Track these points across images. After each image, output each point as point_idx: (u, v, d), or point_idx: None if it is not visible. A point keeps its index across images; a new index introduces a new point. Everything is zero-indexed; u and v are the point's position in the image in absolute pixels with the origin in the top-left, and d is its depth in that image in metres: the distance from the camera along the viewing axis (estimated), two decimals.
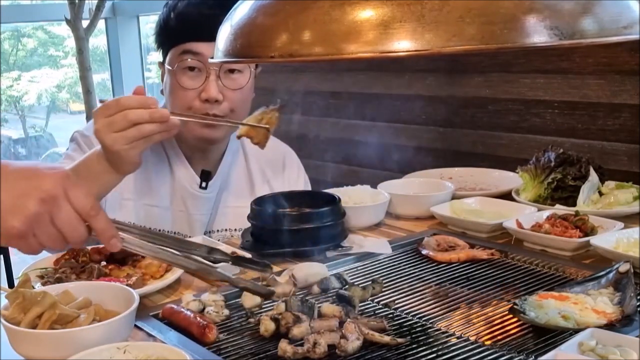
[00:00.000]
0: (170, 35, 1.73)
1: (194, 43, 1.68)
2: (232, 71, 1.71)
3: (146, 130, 1.38)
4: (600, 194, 1.81)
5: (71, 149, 1.77)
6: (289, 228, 1.54)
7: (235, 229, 1.81)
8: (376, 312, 1.25)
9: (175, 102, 1.73)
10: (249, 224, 1.84)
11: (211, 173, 1.81)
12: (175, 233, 1.76)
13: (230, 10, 0.92)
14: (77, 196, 1.01)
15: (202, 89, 1.68)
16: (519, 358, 1.06)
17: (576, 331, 1.06)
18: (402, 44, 0.74)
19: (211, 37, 1.64)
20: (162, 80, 1.80)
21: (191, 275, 1.20)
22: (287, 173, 1.96)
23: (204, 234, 1.78)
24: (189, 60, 1.68)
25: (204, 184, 1.79)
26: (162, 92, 1.81)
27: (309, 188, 2.03)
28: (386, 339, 1.10)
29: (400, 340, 1.10)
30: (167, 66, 1.72)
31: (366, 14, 0.76)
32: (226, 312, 1.23)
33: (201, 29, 1.66)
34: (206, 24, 1.64)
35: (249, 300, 1.25)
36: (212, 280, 1.15)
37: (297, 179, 1.98)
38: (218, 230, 1.82)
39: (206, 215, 1.80)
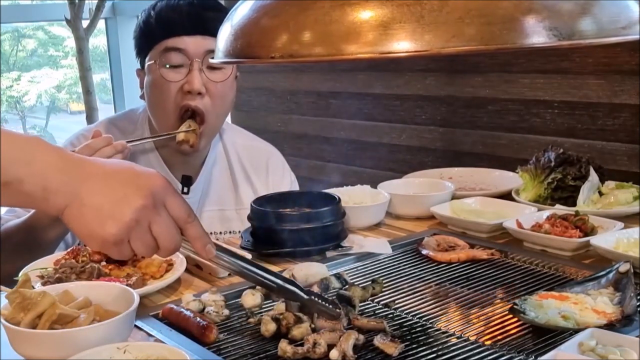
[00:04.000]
0: (151, 34, 1.74)
1: (176, 38, 1.69)
2: (215, 67, 1.73)
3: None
4: (600, 194, 1.80)
5: None
6: (289, 228, 1.54)
7: (221, 232, 1.81)
8: (376, 312, 1.25)
9: (158, 97, 1.74)
10: (233, 226, 1.85)
11: (192, 178, 1.81)
12: None
13: (231, 11, 0.92)
14: (175, 203, 0.99)
15: (185, 81, 1.70)
16: (519, 358, 1.06)
17: (576, 331, 1.06)
18: (402, 45, 0.74)
19: (193, 30, 1.68)
20: (141, 86, 1.81)
21: (274, 294, 1.19)
22: (271, 174, 1.96)
23: None
24: (173, 56, 1.69)
25: (185, 189, 1.79)
26: (141, 97, 1.82)
27: (296, 187, 2.03)
28: (383, 344, 1.09)
29: (395, 348, 1.07)
30: (148, 63, 1.74)
31: (366, 14, 0.76)
32: (226, 312, 1.23)
33: (182, 23, 1.68)
34: (187, 18, 1.67)
35: (249, 300, 1.26)
36: (290, 299, 1.15)
37: (281, 180, 1.98)
38: None
39: None
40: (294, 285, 1.14)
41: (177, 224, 0.99)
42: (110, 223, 0.93)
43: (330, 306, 1.14)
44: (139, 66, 1.84)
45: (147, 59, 1.75)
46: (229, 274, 1.45)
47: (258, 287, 1.30)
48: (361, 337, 1.09)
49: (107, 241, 0.95)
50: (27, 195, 0.92)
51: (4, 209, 1.69)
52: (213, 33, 1.67)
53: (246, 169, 1.93)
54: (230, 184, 1.91)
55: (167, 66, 1.70)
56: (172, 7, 1.71)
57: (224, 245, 1.14)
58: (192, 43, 1.69)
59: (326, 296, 1.30)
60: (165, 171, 1.79)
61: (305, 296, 1.13)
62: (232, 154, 1.92)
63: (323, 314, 1.13)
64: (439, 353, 1.08)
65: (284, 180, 1.98)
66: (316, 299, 1.14)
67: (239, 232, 1.73)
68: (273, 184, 1.95)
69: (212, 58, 1.67)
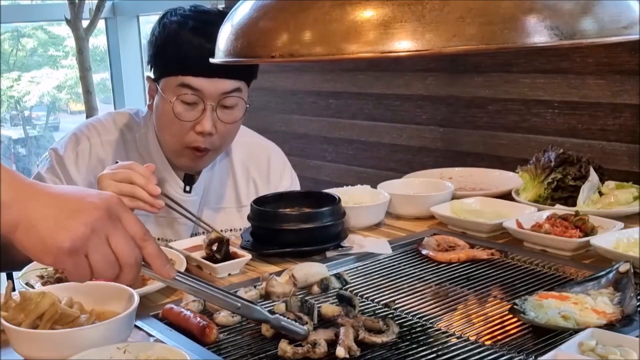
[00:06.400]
0: (168, 65, 1.71)
1: (194, 78, 1.66)
2: (227, 106, 1.71)
3: (137, 193, 1.49)
4: (600, 194, 1.80)
5: (44, 168, 1.79)
6: (289, 228, 1.54)
7: (221, 230, 1.81)
8: (376, 312, 1.25)
9: (168, 130, 1.73)
10: (234, 224, 1.84)
11: (194, 177, 1.81)
12: (159, 239, 1.75)
13: (231, 10, 0.92)
14: (131, 220, 0.96)
15: (197, 121, 1.69)
16: (519, 358, 1.06)
17: (576, 331, 1.06)
18: (403, 44, 0.74)
19: (212, 72, 1.64)
20: (150, 94, 1.78)
21: (236, 313, 1.15)
22: (272, 171, 1.97)
23: (190, 236, 1.78)
24: (189, 95, 1.67)
25: (187, 188, 1.79)
26: (149, 106, 1.80)
27: (297, 184, 2.03)
28: (377, 340, 1.09)
29: (387, 339, 1.09)
30: (162, 93, 1.71)
31: (367, 14, 0.76)
32: (237, 317, 1.21)
33: (202, 64, 1.60)
34: (208, 59, 1.61)
35: None
36: (254, 319, 1.12)
37: (282, 177, 1.98)
38: (203, 232, 1.81)
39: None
40: (257, 305, 1.11)
41: (134, 241, 0.96)
42: (63, 232, 0.90)
43: (297, 324, 1.11)
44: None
45: (161, 82, 1.72)
46: (229, 274, 1.46)
47: (248, 289, 1.29)
48: (360, 330, 1.09)
49: (61, 251, 0.90)
50: None
51: None
52: (231, 75, 1.68)
53: (247, 167, 1.94)
54: (231, 182, 1.91)
55: (181, 101, 1.68)
56: (194, 45, 1.65)
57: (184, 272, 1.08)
58: (209, 84, 1.66)
59: (326, 296, 1.31)
60: (168, 170, 1.79)
61: (270, 316, 1.10)
62: (232, 152, 1.92)
63: (290, 334, 1.09)
64: (439, 353, 1.08)
65: (285, 177, 1.98)
66: (282, 317, 1.11)
67: (240, 229, 1.72)
68: (274, 181, 1.95)
69: (227, 98, 1.68)
